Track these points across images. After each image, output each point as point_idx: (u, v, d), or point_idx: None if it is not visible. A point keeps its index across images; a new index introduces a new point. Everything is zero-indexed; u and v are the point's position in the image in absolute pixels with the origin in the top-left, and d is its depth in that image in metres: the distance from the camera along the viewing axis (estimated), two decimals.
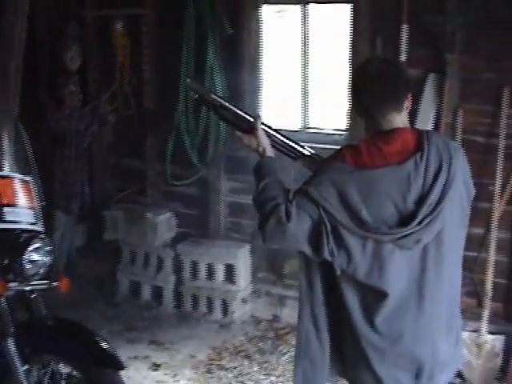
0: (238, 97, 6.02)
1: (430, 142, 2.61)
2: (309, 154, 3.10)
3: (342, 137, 5.85)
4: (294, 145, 3.13)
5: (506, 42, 5.06)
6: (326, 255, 2.58)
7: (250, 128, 2.98)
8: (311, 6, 5.82)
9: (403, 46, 5.33)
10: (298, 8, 5.86)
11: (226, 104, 3.04)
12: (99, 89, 6.79)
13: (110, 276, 6.62)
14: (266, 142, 2.97)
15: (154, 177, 6.68)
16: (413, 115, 5.27)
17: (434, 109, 5.32)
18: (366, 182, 2.58)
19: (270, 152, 2.95)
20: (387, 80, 2.70)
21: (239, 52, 6.01)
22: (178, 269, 6.28)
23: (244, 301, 6.13)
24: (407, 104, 2.73)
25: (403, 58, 5.33)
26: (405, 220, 2.56)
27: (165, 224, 6.39)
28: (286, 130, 5.87)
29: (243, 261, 6.09)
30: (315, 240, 2.60)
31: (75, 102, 6.70)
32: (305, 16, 5.83)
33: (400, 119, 2.70)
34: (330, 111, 6.02)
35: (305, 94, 5.97)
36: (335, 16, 5.86)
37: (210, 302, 6.12)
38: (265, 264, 6.25)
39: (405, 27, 5.30)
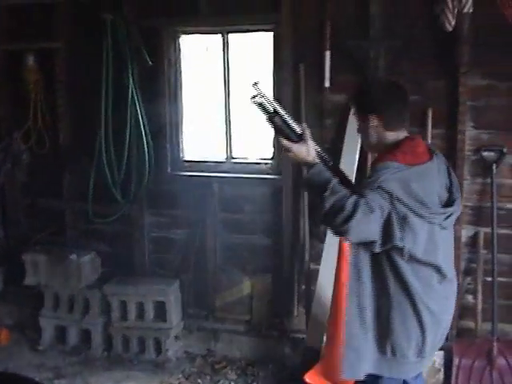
0: (160, 128, 5.88)
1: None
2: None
3: (268, 166, 5.76)
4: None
5: (427, 64, 5.13)
6: (397, 240, 2.95)
7: (299, 138, 3.17)
8: (232, 36, 5.71)
9: (327, 73, 5.31)
10: (218, 38, 5.74)
11: (282, 112, 3.16)
12: (11, 127, 6.45)
13: (31, 322, 6.26)
14: (314, 151, 3.20)
15: (73, 216, 6.38)
16: (340, 141, 5.26)
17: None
18: (419, 175, 3.09)
19: (316, 159, 3.19)
20: (406, 100, 3.36)
21: (160, 83, 5.83)
22: (105, 310, 5.99)
23: (177, 338, 5.92)
24: None
25: (327, 84, 5.31)
26: (444, 204, 3.22)
27: (89, 264, 6.09)
28: (211, 162, 5.82)
29: (173, 297, 5.87)
30: (387, 229, 2.94)
31: None
32: (225, 45, 5.71)
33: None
34: (254, 141, 5.88)
35: (228, 124, 5.85)
36: (257, 44, 5.73)
37: (141, 341, 5.88)
38: (194, 299, 6.07)
39: (328, 53, 5.28)
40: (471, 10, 4.81)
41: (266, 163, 5.79)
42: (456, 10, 4.79)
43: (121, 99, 5.70)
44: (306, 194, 5.46)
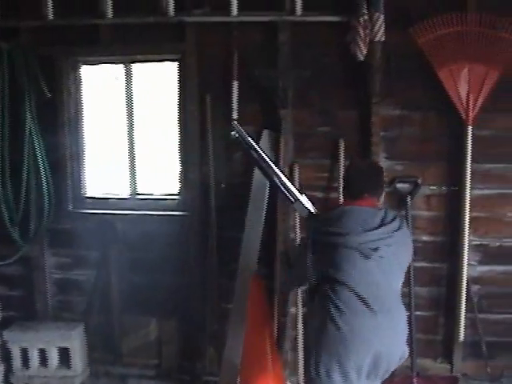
0: (60, 162, 5.44)
1: None
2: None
3: (175, 201, 5.40)
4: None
5: (338, 94, 4.93)
6: None
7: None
8: (135, 66, 5.34)
9: (235, 104, 5.01)
10: (121, 68, 5.35)
11: (257, 147, 3.48)
12: None
13: None
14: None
15: None
16: (249, 175, 4.96)
17: None
18: None
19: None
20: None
21: (59, 115, 5.39)
22: (5, 358, 5.45)
23: None
24: None
25: (235, 115, 5.00)
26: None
27: None
28: (114, 198, 5.41)
29: (78, 342, 5.41)
30: None
31: None
32: (128, 76, 5.34)
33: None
34: (160, 176, 5.50)
35: (131, 158, 5.46)
36: (163, 75, 5.36)
37: None
38: (101, 343, 5.60)
39: (235, 83, 4.98)
40: (383, 39, 4.63)
41: (173, 199, 5.43)
42: (368, 39, 4.60)
43: (18, 132, 5.22)
44: (215, 230, 5.12)
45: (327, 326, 3.39)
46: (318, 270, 3.49)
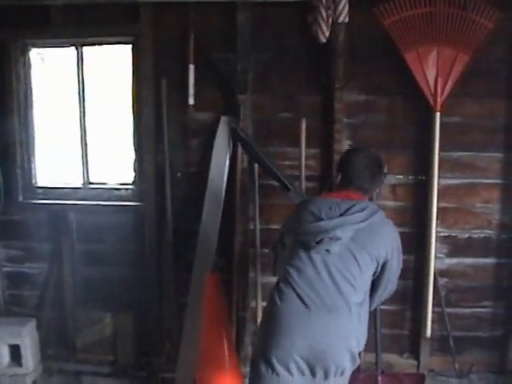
0: (10, 151, 5.11)
1: None
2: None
3: (129, 191, 5.09)
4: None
5: (300, 78, 4.67)
6: None
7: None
8: (86, 49, 4.99)
9: (191, 89, 4.70)
10: (72, 51, 5.00)
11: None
12: None
13: None
14: None
15: None
16: (207, 163, 4.67)
17: (227, 154, 4.70)
18: None
19: None
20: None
21: (7, 101, 5.05)
22: None
23: (35, 383, 5.15)
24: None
25: (191, 101, 4.69)
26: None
27: None
28: (66, 188, 5.10)
29: (30, 338, 5.09)
30: None
31: None
32: (79, 60, 4.99)
33: None
34: (114, 164, 5.17)
35: (84, 146, 5.12)
36: (115, 58, 5.02)
37: None
38: (54, 338, 5.31)
39: (192, 67, 4.67)
40: (346, 20, 4.34)
41: (127, 189, 5.11)
42: (330, 20, 4.32)
43: None
44: (170, 221, 4.82)
45: (267, 309, 3.40)
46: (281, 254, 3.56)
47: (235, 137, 4.55)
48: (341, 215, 3.31)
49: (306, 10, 4.42)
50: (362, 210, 3.32)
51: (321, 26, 4.31)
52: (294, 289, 3.25)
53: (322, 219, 3.31)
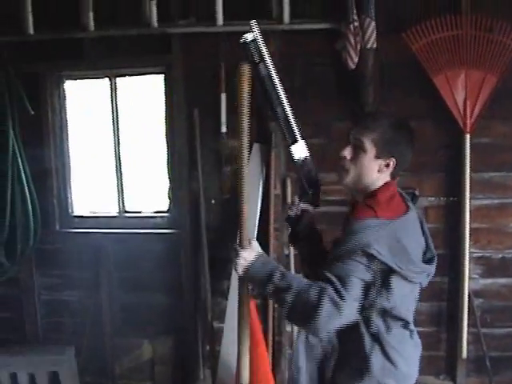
0: (47, 182, 5.15)
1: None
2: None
3: (164, 219, 5.11)
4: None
5: (330, 104, 4.66)
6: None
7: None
8: (119, 80, 5.04)
9: (223, 117, 4.71)
10: (106, 82, 5.05)
11: (269, 62, 2.71)
12: None
13: None
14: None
15: None
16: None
17: (260, 180, 4.69)
18: (405, 228, 2.62)
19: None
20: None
21: (44, 133, 5.09)
22: None
23: None
24: None
25: (224, 129, 4.71)
26: (426, 260, 2.76)
27: None
28: (102, 217, 5.13)
29: (68, 365, 5.08)
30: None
31: None
32: (113, 90, 5.03)
33: None
34: (148, 193, 5.20)
35: (119, 175, 5.16)
36: (148, 89, 5.06)
37: None
38: (92, 366, 5.29)
39: (224, 96, 4.68)
40: (375, 46, 4.34)
41: (162, 216, 5.13)
42: (359, 47, 4.31)
43: (1, 152, 4.88)
44: (206, 247, 4.81)
45: None
46: None
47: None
48: (423, 230, 2.85)
49: (335, 37, 4.43)
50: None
51: (349, 53, 4.31)
52: None
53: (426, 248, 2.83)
